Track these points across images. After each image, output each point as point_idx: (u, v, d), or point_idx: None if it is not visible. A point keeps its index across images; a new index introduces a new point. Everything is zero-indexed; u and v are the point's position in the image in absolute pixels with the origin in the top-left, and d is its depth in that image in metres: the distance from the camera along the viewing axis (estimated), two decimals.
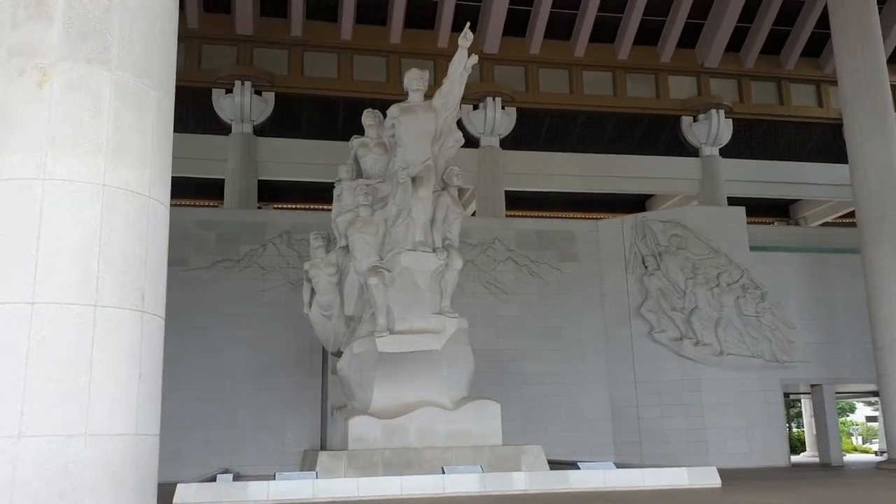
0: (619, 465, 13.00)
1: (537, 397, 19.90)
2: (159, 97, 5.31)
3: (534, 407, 19.70)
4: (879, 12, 20.44)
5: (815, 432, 27.81)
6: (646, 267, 20.79)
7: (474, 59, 13.88)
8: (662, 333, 20.32)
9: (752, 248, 21.22)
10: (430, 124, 14.12)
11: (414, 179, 13.61)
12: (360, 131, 15.56)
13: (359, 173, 15.19)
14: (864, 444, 44.81)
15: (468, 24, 14.22)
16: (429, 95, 14.62)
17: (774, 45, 27.24)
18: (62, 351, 4.58)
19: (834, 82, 24.24)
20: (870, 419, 48.00)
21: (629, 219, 21.66)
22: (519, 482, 11.44)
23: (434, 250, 13.51)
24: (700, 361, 20.07)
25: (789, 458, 20.86)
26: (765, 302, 20.74)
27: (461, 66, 13.84)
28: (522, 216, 25.59)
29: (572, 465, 12.47)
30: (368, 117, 15.44)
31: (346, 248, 14.35)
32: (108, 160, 4.91)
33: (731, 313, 20.46)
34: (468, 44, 13.70)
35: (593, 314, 20.95)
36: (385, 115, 14.76)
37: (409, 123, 14.01)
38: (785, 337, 20.75)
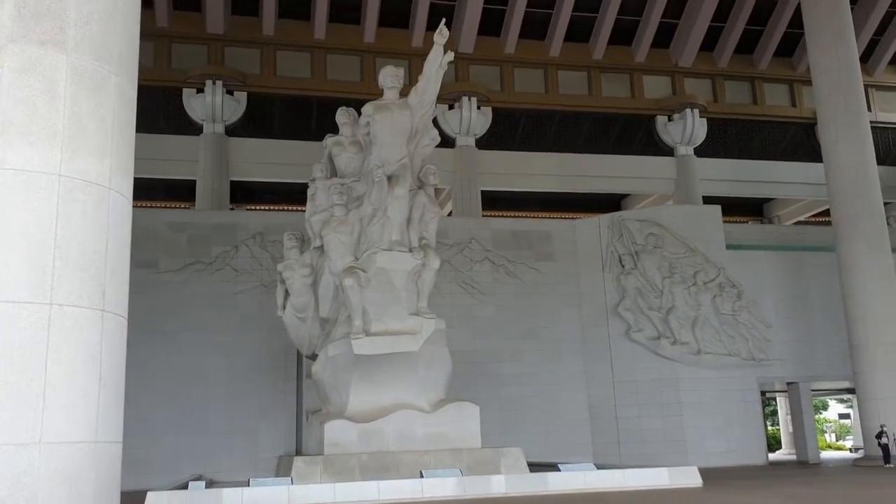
0: (599, 466, 12.88)
1: (515, 398, 19.73)
2: (120, 83, 5.00)
3: (511, 408, 19.53)
4: (852, 11, 20.54)
5: (790, 430, 27.94)
6: (623, 266, 20.71)
7: (450, 55, 13.71)
8: (640, 332, 20.24)
9: (729, 247, 21.25)
10: (405, 122, 13.91)
11: (390, 178, 13.37)
12: (334, 131, 15.27)
13: (333, 172, 14.92)
14: (837, 441, 45.21)
15: (444, 20, 14.07)
16: (403, 94, 14.42)
17: (748, 44, 27.37)
18: (14, 352, 4.26)
19: (807, 81, 24.36)
20: (842, 416, 48.47)
21: (605, 218, 21.58)
22: (498, 485, 11.27)
23: (410, 250, 13.31)
24: (678, 360, 20.01)
25: (767, 457, 20.87)
26: (741, 300, 20.76)
27: (437, 62, 13.66)
28: (499, 216, 25.44)
29: (552, 467, 12.33)
30: (343, 115, 15.20)
31: (321, 248, 14.07)
32: (64, 149, 4.60)
33: (709, 312, 20.44)
34: (444, 40, 13.55)
35: (570, 314, 20.82)
36: (360, 114, 14.55)
37: (384, 121, 13.78)
38: (761, 335, 20.77)
